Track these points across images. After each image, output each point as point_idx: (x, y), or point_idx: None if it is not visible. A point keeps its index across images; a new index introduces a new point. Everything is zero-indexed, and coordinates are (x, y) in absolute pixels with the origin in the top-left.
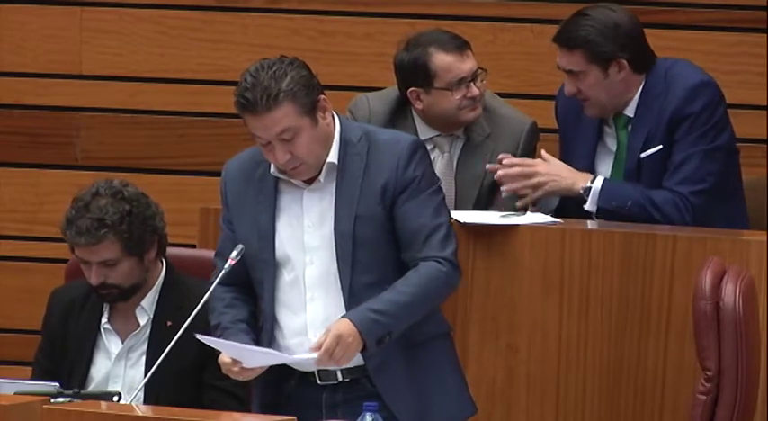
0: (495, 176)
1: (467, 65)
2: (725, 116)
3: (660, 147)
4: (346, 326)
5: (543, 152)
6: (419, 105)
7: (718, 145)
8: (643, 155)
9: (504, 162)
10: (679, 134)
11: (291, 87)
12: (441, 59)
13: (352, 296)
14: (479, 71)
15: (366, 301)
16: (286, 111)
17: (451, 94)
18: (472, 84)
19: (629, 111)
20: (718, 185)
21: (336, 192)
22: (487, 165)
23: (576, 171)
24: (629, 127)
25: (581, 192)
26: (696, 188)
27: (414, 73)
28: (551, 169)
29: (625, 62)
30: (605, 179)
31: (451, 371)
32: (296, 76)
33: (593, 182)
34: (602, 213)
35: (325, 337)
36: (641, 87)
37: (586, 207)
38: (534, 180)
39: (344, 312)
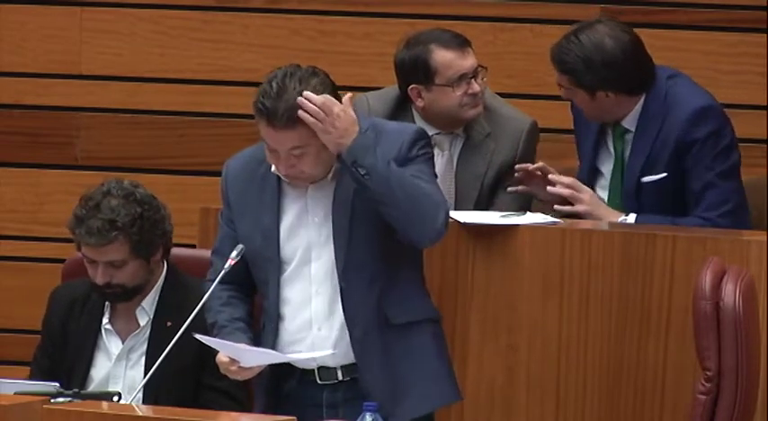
0: (550, 177)
1: (468, 61)
2: (732, 136)
3: (665, 175)
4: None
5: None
6: (420, 103)
7: (731, 164)
8: (645, 179)
9: (558, 178)
10: (689, 162)
11: None
12: (441, 56)
13: (347, 268)
14: (480, 68)
15: None
16: (302, 131)
17: (452, 90)
18: (473, 80)
19: (628, 124)
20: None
21: (341, 177)
22: (531, 167)
23: (609, 208)
24: (627, 140)
25: None
26: (723, 210)
27: (414, 70)
28: (594, 202)
29: (611, 93)
30: (637, 217)
31: (435, 356)
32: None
33: (624, 221)
34: None
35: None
36: (641, 103)
37: None
38: (577, 205)
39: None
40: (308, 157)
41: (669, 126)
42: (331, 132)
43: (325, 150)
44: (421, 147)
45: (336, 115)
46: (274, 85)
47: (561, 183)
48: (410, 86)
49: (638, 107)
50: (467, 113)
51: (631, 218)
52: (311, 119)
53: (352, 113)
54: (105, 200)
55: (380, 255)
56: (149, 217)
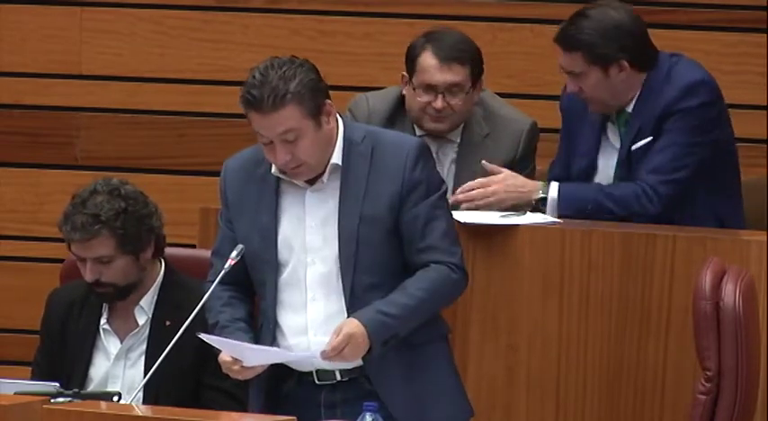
0: (452, 200)
1: (443, 76)
2: (720, 115)
3: (650, 138)
4: (357, 327)
5: (492, 167)
6: (404, 91)
7: (701, 140)
8: (633, 147)
9: (459, 191)
10: (666, 126)
11: (299, 89)
12: (425, 59)
13: (354, 297)
14: (459, 88)
15: (375, 302)
16: (291, 112)
17: (418, 95)
18: (440, 97)
19: (631, 108)
20: (707, 179)
21: (341, 192)
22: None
23: (529, 181)
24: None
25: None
26: (666, 178)
27: (408, 59)
28: (507, 184)
29: (626, 63)
30: (560, 185)
31: (449, 374)
32: (304, 79)
33: (546, 191)
34: (565, 216)
35: (336, 336)
36: (642, 85)
37: (547, 215)
38: (493, 198)
39: (345, 313)
40: (303, 142)
41: (663, 96)
42: (357, 351)
43: (320, 133)
44: (424, 165)
45: (348, 344)
46: (257, 75)
47: (464, 190)
48: (403, 71)
49: (641, 88)
50: (426, 123)
51: (554, 188)
52: (335, 354)
53: (350, 336)
54: (91, 197)
55: (390, 279)
56: (134, 211)
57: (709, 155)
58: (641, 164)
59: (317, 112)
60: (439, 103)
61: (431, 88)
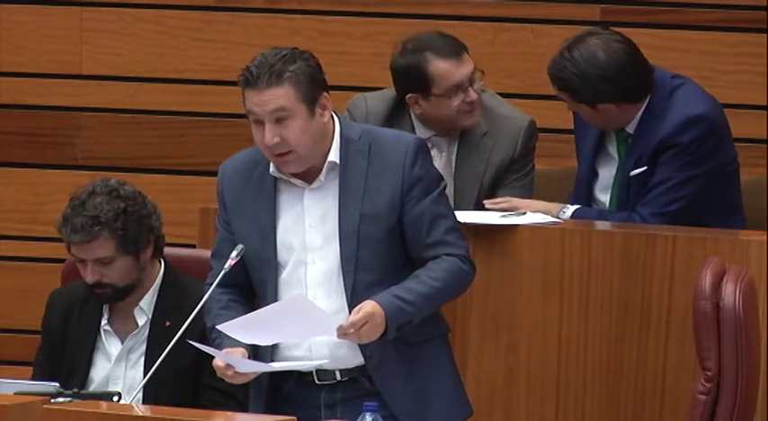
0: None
1: (464, 70)
2: (717, 144)
3: (645, 168)
4: (376, 308)
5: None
6: (417, 110)
7: (695, 173)
8: (632, 173)
9: (488, 204)
10: (661, 159)
11: (297, 72)
12: (437, 66)
13: (355, 295)
14: (476, 73)
15: (390, 288)
16: (285, 91)
17: (449, 100)
18: (470, 88)
19: (631, 128)
20: (707, 200)
21: (340, 190)
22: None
23: (548, 204)
24: (629, 142)
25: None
26: (658, 210)
27: (411, 79)
28: (530, 205)
29: (612, 104)
30: (574, 211)
31: (449, 372)
32: (303, 66)
33: (562, 214)
34: None
35: (356, 314)
36: (644, 107)
37: None
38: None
39: (346, 311)
40: (293, 124)
41: (663, 126)
42: (374, 332)
43: (312, 122)
44: (423, 161)
45: (362, 328)
46: (257, 60)
47: (494, 203)
48: (407, 94)
49: (641, 113)
50: (464, 121)
51: (567, 214)
52: (353, 330)
53: (371, 315)
54: (90, 198)
55: (390, 275)
56: (134, 212)
57: (705, 183)
58: (638, 192)
59: (312, 99)
60: (473, 95)
61: (459, 87)
